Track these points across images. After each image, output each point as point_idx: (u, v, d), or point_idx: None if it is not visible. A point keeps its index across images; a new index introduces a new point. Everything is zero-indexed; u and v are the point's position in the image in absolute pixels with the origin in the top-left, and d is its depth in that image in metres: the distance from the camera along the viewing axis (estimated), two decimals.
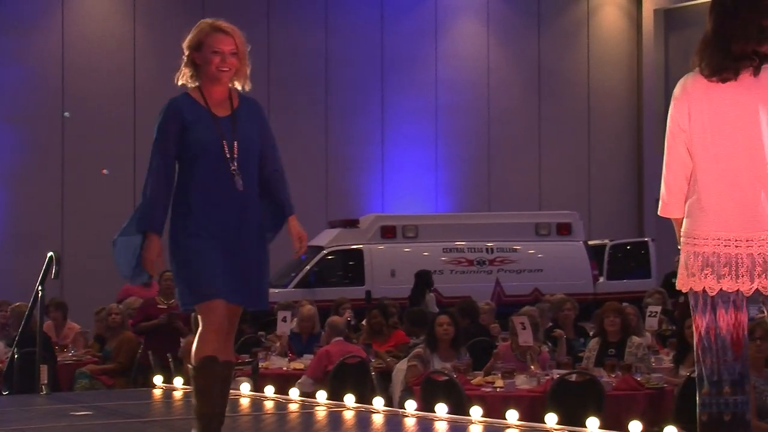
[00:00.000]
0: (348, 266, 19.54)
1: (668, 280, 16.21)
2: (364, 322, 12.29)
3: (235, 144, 5.36)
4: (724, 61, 4.36)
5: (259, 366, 10.69)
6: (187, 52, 5.46)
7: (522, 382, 8.70)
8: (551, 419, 6.52)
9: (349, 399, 7.51)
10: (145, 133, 20.41)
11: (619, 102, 26.02)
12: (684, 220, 4.49)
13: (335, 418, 7.19)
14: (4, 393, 9.28)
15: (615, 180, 25.57)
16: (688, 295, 4.46)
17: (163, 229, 5.41)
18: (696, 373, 4.49)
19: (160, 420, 7.39)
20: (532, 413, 7.67)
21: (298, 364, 10.74)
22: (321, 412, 7.41)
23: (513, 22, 25.01)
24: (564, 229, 20.38)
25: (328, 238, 19.53)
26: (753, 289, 4.35)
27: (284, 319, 11.64)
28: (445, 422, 6.87)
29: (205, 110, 5.41)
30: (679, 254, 4.51)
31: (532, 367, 9.14)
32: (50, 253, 8.75)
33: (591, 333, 11.42)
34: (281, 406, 7.70)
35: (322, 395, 7.89)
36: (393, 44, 23.72)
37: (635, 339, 9.86)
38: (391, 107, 23.78)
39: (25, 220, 20.50)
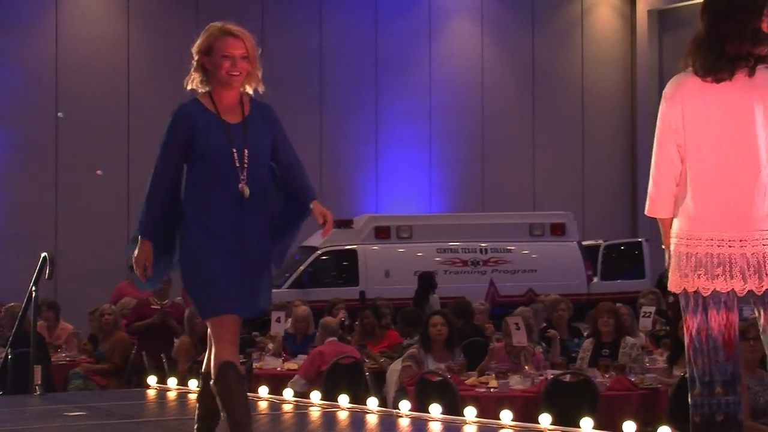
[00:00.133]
0: (342, 266, 19.53)
1: (662, 280, 16.22)
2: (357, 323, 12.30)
3: (246, 152, 5.26)
4: (719, 61, 4.35)
5: (254, 366, 10.69)
6: (196, 57, 5.34)
7: (516, 382, 8.69)
8: (545, 419, 6.53)
9: (343, 399, 7.51)
10: (138, 133, 20.73)
11: (613, 102, 26.02)
12: (676, 220, 4.47)
13: (329, 418, 7.20)
14: None
15: (609, 180, 25.56)
16: (679, 296, 4.45)
17: (156, 234, 5.33)
18: (687, 374, 4.48)
19: (153, 420, 7.40)
20: (526, 414, 7.67)
21: (292, 365, 10.74)
22: (315, 413, 7.42)
23: (507, 22, 25.00)
24: (558, 230, 20.38)
25: (322, 239, 19.49)
26: (746, 290, 4.35)
27: (278, 320, 11.63)
28: (439, 423, 6.88)
29: (215, 117, 5.29)
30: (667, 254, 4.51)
31: (526, 367, 9.15)
32: (44, 254, 8.74)
33: (585, 333, 11.42)
34: (275, 407, 7.71)
35: (316, 396, 7.89)
36: (387, 45, 23.70)
37: (629, 339, 9.86)
38: (385, 107, 23.76)
39: (19, 221, 20.44)
